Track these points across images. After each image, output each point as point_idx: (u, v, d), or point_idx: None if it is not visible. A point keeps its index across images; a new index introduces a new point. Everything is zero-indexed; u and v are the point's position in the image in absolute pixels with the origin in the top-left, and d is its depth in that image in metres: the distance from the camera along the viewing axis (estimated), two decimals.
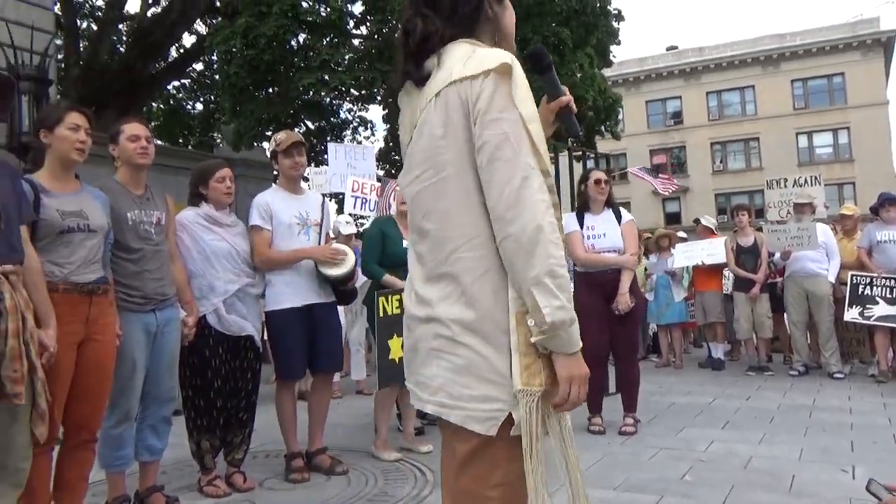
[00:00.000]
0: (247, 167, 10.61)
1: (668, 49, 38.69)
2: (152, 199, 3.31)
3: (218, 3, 14.14)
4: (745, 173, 34.74)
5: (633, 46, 53.41)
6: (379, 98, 13.98)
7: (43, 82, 6.50)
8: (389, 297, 4.07)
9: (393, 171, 13.96)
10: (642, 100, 37.17)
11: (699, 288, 8.05)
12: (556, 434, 1.45)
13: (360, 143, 16.42)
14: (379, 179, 7.44)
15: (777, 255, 7.30)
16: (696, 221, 8.92)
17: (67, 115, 2.84)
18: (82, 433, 2.86)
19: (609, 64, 16.06)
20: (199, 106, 19.95)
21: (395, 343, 4.01)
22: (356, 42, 13.84)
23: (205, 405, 3.63)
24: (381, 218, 5.09)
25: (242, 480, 3.68)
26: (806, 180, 8.08)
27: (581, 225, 4.89)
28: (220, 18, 14.48)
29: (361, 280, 4.98)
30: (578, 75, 13.39)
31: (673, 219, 34.03)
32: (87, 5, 16.80)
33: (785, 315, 7.54)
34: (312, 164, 11.02)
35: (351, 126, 17.39)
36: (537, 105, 1.51)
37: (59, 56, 12.62)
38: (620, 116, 17.94)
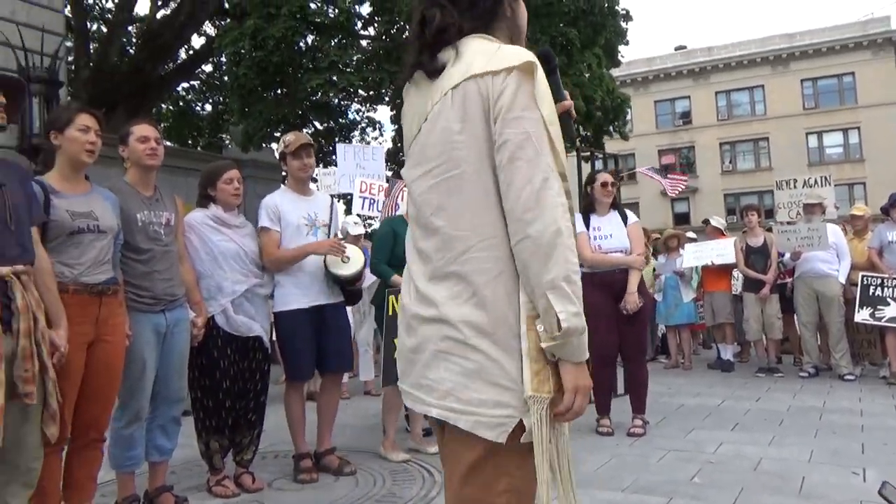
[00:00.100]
0: (255, 168, 10.65)
1: (676, 49, 38.58)
2: (161, 199, 3.32)
3: (226, 5, 14.18)
4: (755, 173, 34.59)
5: (641, 46, 53.49)
6: (387, 99, 13.99)
7: (53, 84, 6.54)
8: (399, 297, 4.08)
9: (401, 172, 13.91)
10: (651, 100, 37.06)
11: (708, 288, 8.02)
12: (557, 443, 1.43)
13: (368, 143, 16.45)
14: (387, 180, 7.45)
15: (787, 255, 7.26)
16: (706, 222, 8.89)
17: (77, 116, 2.86)
18: (91, 432, 2.88)
19: (617, 64, 16.00)
20: (208, 107, 20.02)
21: None
22: (364, 43, 13.86)
23: (213, 406, 3.64)
24: (393, 217, 5.09)
25: (251, 481, 3.69)
26: (816, 181, 8.03)
27: (587, 226, 4.89)
28: (228, 20, 14.53)
29: (369, 280, 4.98)
30: (586, 75, 13.36)
31: (682, 219, 33.92)
32: (97, 7, 16.88)
33: (795, 316, 7.50)
34: (321, 165, 11.07)
35: (359, 127, 17.42)
36: None
37: (70, 58, 12.70)
38: (629, 116, 17.88)
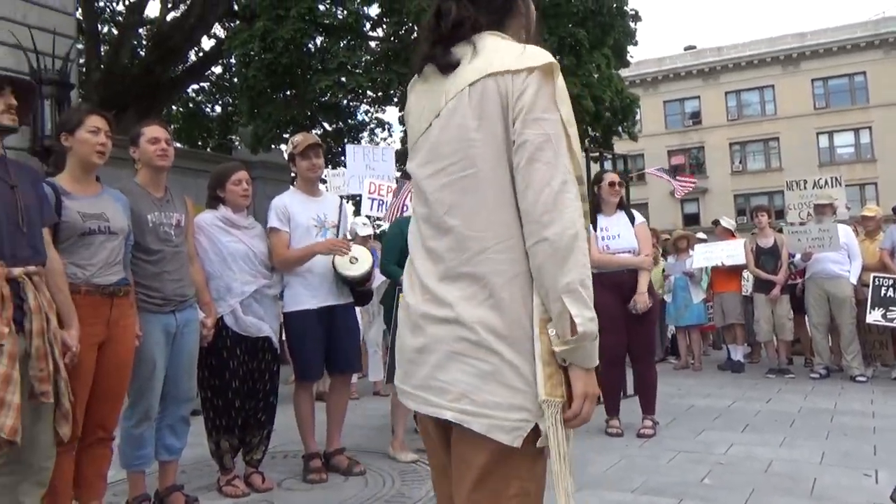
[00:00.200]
0: (265, 169, 10.69)
1: (686, 49, 38.44)
2: (172, 201, 3.34)
3: (236, 7, 14.26)
4: (765, 174, 34.42)
5: (650, 46, 53.28)
6: (396, 100, 14.01)
7: (65, 86, 6.59)
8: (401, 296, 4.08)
9: None
10: (660, 100, 36.95)
11: (718, 289, 7.99)
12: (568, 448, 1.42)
13: (377, 144, 16.49)
14: (396, 181, 7.45)
15: (798, 256, 7.22)
16: (716, 223, 8.85)
17: (87, 118, 2.88)
18: (99, 431, 2.90)
19: (626, 64, 15.97)
20: (218, 109, 20.11)
21: None
22: (373, 44, 13.89)
23: (223, 405, 3.65)
24: (403, 218, 5.09)
25: (261, 481, 3.70)
26: (826, 181, 7.98)
27: (594, 226, 4.88)
28: (238, 22, 14.60)
29: (378, 281, 4.99)
30: (595, 76, 13.34)
31: (691, 220, 33.80)
32: (107, 10, 17.00)
33: (806, 317, 7.46)
34: (329, 167, 11.09)
35: (368, 128, 17.47)
36: None
37: (81, 60, 12.79)
38: (638, 117, 17.86)
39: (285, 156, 4.47)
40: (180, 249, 3.30)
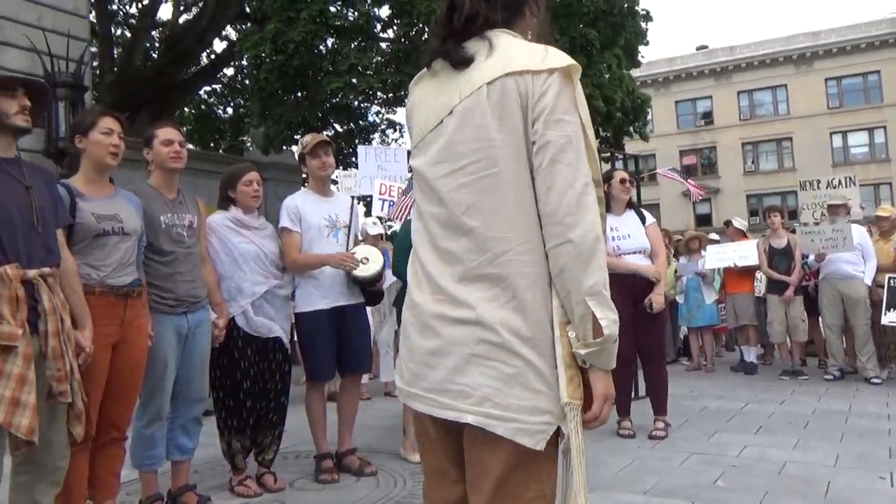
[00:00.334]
0: (276, 170, 10.72)
1: (697, 48, 38.25)
2: (184, 202, 3.36)
3: (247, 10, 14.33)
4: (778, 174, 34.19)
5: (662, 46, 53.02)
6: (407, 101, 14.07)
7: (79, 89, 6.65)
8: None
9: None
10: (672, 100, 36.79)
11: (731, 290, 7.94)
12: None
13: (388, 145, 16.52)
14: (409, 181, 7.45)
15: (811, 257, 7.16)
16: (727, 223, 8.80)
17: (101, 119, 2.90)
18: (111, 431, 2.92)
19: (637, 64, 15.92)
20: (230, 110, 20.22)
21: None
22: (383, 45, 13.92)
23: (234, 406, 3.67)
24: None
25: (273, 481, 3.71)
26: (840, 181, 7.91)
27: (603, 227, 4.84)
28: (249, 24, 14.67)
29: (390, 281, 4.99)
30: (606, 76, 13.31)
31: (703, 220, 33.62)
32: (120, 13, 17.14)
33: (819, 318, 7.40)
34: (341, 168, 11.12)
35: (379, 129, 17.51)
36: None
37: (94, 63, 12.89)
38: (649, 117, 17.79)
39: (296, 157, 4.48)
40: (192, 251, 3.32)
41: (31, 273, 2.30)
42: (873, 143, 33.42)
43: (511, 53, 1.41)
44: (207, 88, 19.07)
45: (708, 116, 36.79)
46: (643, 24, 14.85)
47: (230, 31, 16.83)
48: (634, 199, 5.34)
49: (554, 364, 1.37)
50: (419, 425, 1.54)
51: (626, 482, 3.69)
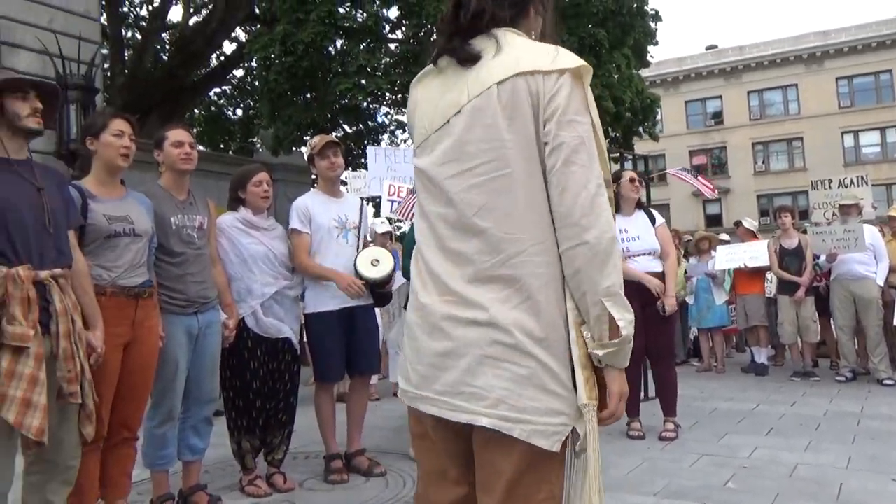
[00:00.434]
0: (286, 171, 10.75)
1: (707, 48, 38.09)
2: (195, 203, 3.37)
3: (257, 11, 14.39)
4: (789, 174, 34.00)
5: (671, 46, 52.84)
6: (408, 99, 14.08)
7: (90, 91, 6.69)
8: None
9: None
10: (681, 100, 36.65)
11: (741, 291, 7.89)
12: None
13: (397, 145, 16.54)
14: None
15: (822, 257, 7.12)
16: (737, 223, 8.75)
17: (112, 121, 2.92)
18: (123, 431, 2.94)
19: (646, 65, 15.88)
20: (239, 112, 20.31)
21: None
22: (392, 46, 13.94)
23: (244, 406, 3.69)
24: None
25: (283, 481, 3.72)
26: (852, 181, 7.85)
27: None
28: (258, 26, 14.73)
29: (399, 282, 4.99)
30: (615, 76, 13.28)
31: (714, 221, 33.46)
32: (131, 15, 17.26)
33: (831, 319, 7.35)
34: (350, 169, 11.14)
35: (388, 129, 17.55)
36: None
37: (105, 65, 12.98)
38: (659, 117, 17.73)
39: (306, 158, 4.49)
40: (203, 252, 3.33)
41: (43, 274, 2.32)
42: (885, 142, 33.16)
43: (521, 53, 1.41)
44: (217, 90, 19.16)
45: (718, 116, 36.63)
46: (652, 24, 14.81)
47: (240, 33, 16.92)
48: (644, 199, 5.31)
49: (567, 365, 1.37)
50: (417, 426, 1.53)
51: (636, 483, 3.67)
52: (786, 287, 7.29)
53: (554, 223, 1.39)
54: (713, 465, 4.01)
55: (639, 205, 4.96)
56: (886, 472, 3.76)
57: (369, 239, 4.56)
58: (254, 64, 14.49)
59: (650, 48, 15.34)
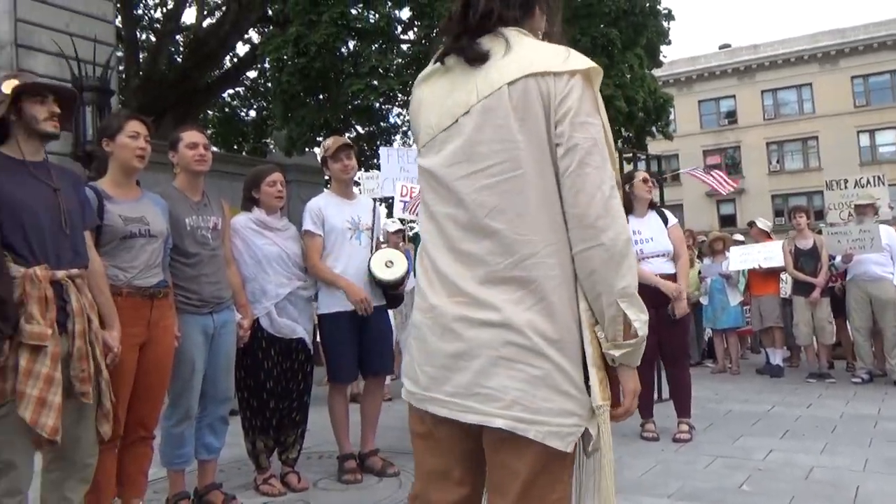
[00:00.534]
0: (300, 172, 10.80)
1: (720, 47, 37.86)
2: (209, 204, 3.39)
3: (270, 13, 14.46)
4: (804, 174, 33.70)
5: (684, 46, 52.54)
6: (411, 98, 14.10)
7: (105, 93, 6.76)
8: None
9: None
10: (695, 99, 36.43)
11: (756, 292, 7.84)
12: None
13: (410, 146, 16.56)
14: None
15: (838, 258, 7.05)
16: (751, 224, 8.70)
17: (127, 123, 2.94)
18: (139, 430, 2.96)
19: (659, 64, 15.81)
20: (253, 113, 20.43)
21: None
22: (404, 47, 13.97)
23: (258, 406, 3.71)
24: None
25: (297, 480, 3.74)
26: (868, 181, 7.79)
27: None
28: (271, 27, 14.80)
29: (413, 283, 5.00)
30: (628, 76, 13.23)
31: (728, 221, 33.24)
32: (146, 18, 17.39)
33: (847, 320, 7.28)
34: (363, 170, 11.15)
35: (400, 130, 17.58)
36: None
37: (120, 67, 13.09)
38: (672, 117, 17.63)
39: (319, 159, 4.50)
40: (217, 252, 3.35)
41: (60, 274, 2.34)
42: None
43: (532, 54, 1.41)
44: (231, 91, 19.28)
45: (731, 116, 36.38)
46: (665, 24, 14.75)
47: (253, 35, 17.01)
48: (657, 199, 5.28)
49: (579, 366, 1.38)
50: (419, 425, 1.52)
51: (650, 485, 3.66)
52: (801, 288, 7.23)
53: (566, 224, 1.39)
54: (728, 467, 3.98)
55: (651, 205, 4.93)
56: None
57: (382, 240, 4.57)
58: (267, 65, 14.55)
59: (663, 48, 15.28)
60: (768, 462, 4.07)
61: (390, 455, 4.18)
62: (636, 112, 13.34)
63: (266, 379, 3.69)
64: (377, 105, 14.08)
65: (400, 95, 13.70)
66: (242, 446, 3.80)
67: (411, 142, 17.92)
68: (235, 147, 20.14)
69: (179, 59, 16.73)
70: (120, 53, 12.76)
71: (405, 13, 13.71)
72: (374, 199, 4.83)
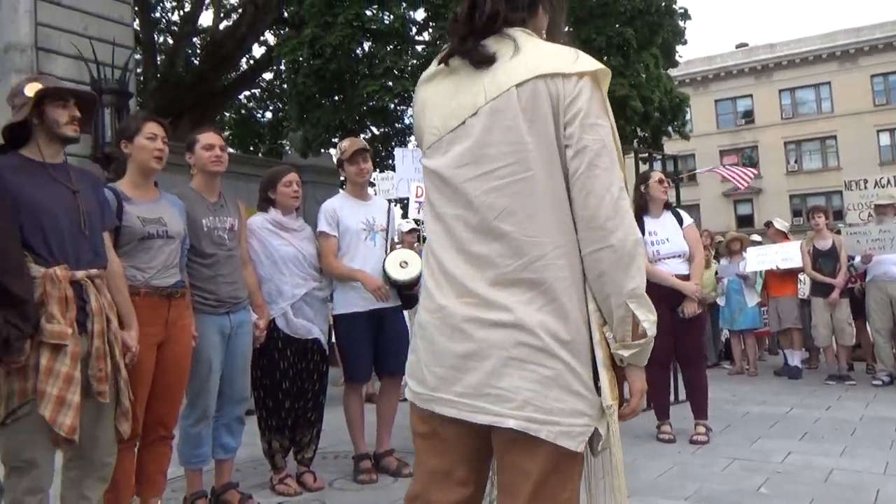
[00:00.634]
0: (315, 173, 10.84)
1: (737, 47, 37.56)
2: (226, 205, 3.42)
3: (286, 15, 14.53)
4: (822, 173, 33.36)
5: (701, 45, 52.17)
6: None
7: (123, 95, 6.83)
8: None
9: None
10: (711, 99, 36.18)
11: (773, 293, 7.76)
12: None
13: None
14: None
15: (857, 258, 6.97)
16: (768, 224, 8.61)
17: (145, 125, 2.97)
18: (159, 430, 2.99)
19: (675, 64, 15.68)
20: (269, 115, 20.52)
21: None
22: (419, 49, 13.97)
23: (274, 406, 3.73)
24: None
25: (312, 480, 3.75)
26: (889, 180, 7.69)
27: (641, 230, 4.76)
28: (287, 29, 14.87)
29: None
30: (643, 76, 13.15)
31: (745, 221, 32.94)
32: (163, 21, 17.54)
33: (867, 321, 7.19)
34: (378, 171, 11.19)
35: None
36: None
37: (138, 70, 13.22)
38: (688, 116, 17.50)
39: (334, 160, 4.52)
40: (234, 253, 3.37)
41: (80, 274, 2.37)
42: None
43: (540, 55, 1.41)
44: (247, 93, 19.38)
45: (749, 115, 36.09)
46: (681, 23, 14.63)
47: (269, 37, 17.10)
48: (673, 200, 5.25)
49: (588, 366, 1.39)
50: (423, 425, 1.51)
51: (666, 488, 3.63)
52: (819, 289, 7.15)
53: (575, 226, 1.39)
54: (745, 469, 3.95)
55: (666, 205, 4.91)
56: None
57: (396, 241, 4.58)
58: (282, 67, 14.62)
59: (679, 47, 15.15)
60: (787, 465, 4.03)
61: (406, 455, 4.18)
62: (652, 112, 13.24)
63: (282, 379, 3.71)
64: (392, 106, 14.08)
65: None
66: (258, 446, 3.82)
67: None
68: (251, 148, 20.26)
69: (196, 62, 16.85)
70: (138, 56, 12.88)
71: (420, 14, 13.71)
72: (389, 200, 4.85)
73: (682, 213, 4.94)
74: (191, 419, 3.23)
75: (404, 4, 12.87)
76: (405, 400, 5.53)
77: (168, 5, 17.52)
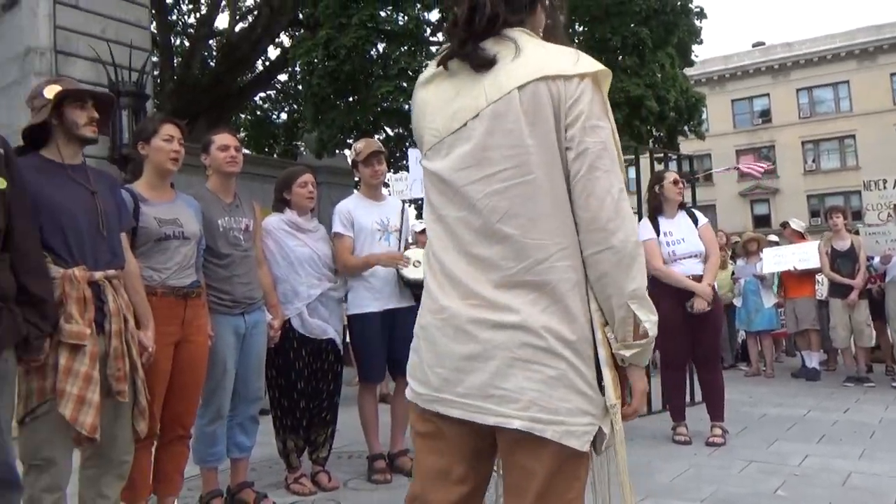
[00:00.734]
0: (330, 174, 10.88)
1: (754, 45, 37.24)
2: (241, 206, 3.44)
3: (301, 16, 14.60)
4: (840, 173, 32.99)
5: (717, 44, 51.74)
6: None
7: (141, 97, 6.90)
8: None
9: None
10: (727, 98, 35.87)
11: (791, 294, 7.69)
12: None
13: None
14: None
15: (876, 259, 6.89)
16: (784, 225, 8.55)
17: (162, 126, 3.00)
18: (177, 429, 3.01)
19: (691, 64, 15.58)
20: (284, 116, 20.61)
21: None
22: (433, 49, 13.99)
23: (289, 405, 3.75)
24: None
25: (327, 480, 3.77)
26: None
27: (657, 231, 4.73)
28: (302, 31, 14.95)
29: None
30: (659, 76, 13.08)
31: (762, 221, 32.65)
32: (180, 23, 17.69)
33: (886, 323, 7.10)
34: (392, 171, 11.21)
35: None
36: None
37: (155, 72, 13.33)
38: (704, 116, 17.38)
39: (349, 161, 4.54)
40: (249, 253, 3.39)
41: (98, 275, 2.40)
42: None
43: (541, 57, 1.41)
44: (262, 94, 19.49)
45: (766, 115, 35.75)
46: (697, 22, 14.53)
47: (284, 38, 17.18)
48: (689, 200, 5.22)
49: (592, 366, 1.40)
50: (424, 425, 1.51)
51: (682, 490, 3.61)
52: (837, 290, 7.08)
53: (577, 227, 1.40)
54: (762, 472, 3.91)
55: (680, 205, 4.88)
56: None
57: (410, 241, 4.59)
58: (297, 69, 14.69)
59: (695, 47, 15.06)
60: (804, 467, 3.99)
61: None
62: (668, 112, 13.16)
63: (297, 379, 3.72)
64: (406, 107, 14.10)
65: None
66: (273, 446, 3.84)
67: None
68: (267, 149, 20.36)
69: (212, 64, 16.98)
70: (155, 58, 13.00)
71: (434, 15, 13.73)
72: (403, 201, 4.86)
73: (697, 212, 4.91)
74: (205, 418, 3.26)
75: (418, 6, 12.89)
76: None
77: (184, 8, 17.67)
